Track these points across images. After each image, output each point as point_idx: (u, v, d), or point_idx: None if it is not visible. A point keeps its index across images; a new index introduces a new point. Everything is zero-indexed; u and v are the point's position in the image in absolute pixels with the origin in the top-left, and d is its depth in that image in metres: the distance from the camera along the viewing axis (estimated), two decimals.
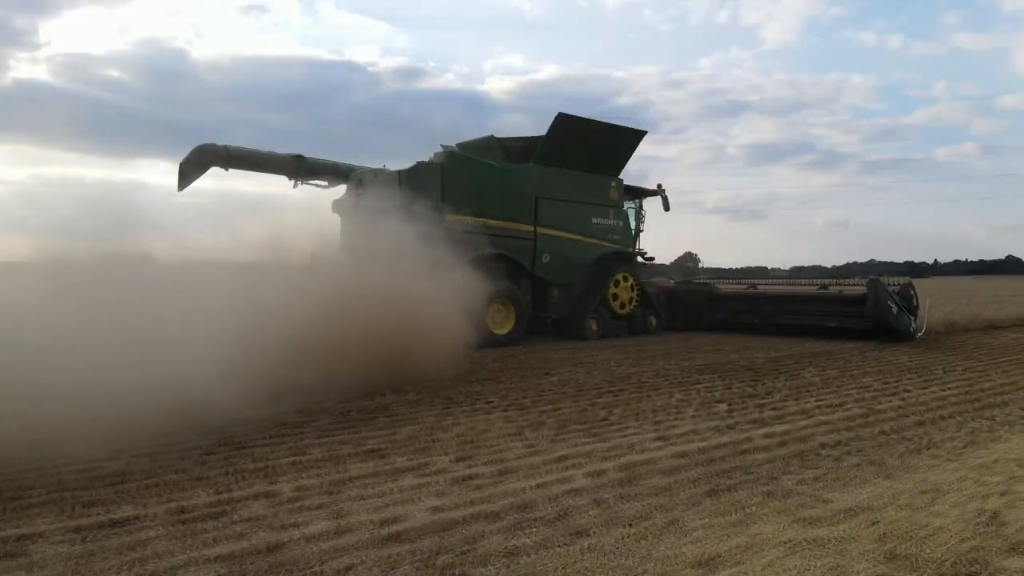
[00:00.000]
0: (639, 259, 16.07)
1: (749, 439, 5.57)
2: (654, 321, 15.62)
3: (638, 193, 16.31)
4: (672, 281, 18.74)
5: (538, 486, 4.30)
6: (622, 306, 14.77)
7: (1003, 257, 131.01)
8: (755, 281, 17.84)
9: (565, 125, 13.49)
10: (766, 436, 5.68)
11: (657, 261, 18.51)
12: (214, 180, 11.90)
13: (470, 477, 4.49)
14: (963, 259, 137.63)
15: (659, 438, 5.60)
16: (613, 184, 14.90)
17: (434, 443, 5.43)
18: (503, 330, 12.65)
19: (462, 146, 14.63)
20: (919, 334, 13.54)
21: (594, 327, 14.23)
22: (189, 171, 11.37)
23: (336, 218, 12.89)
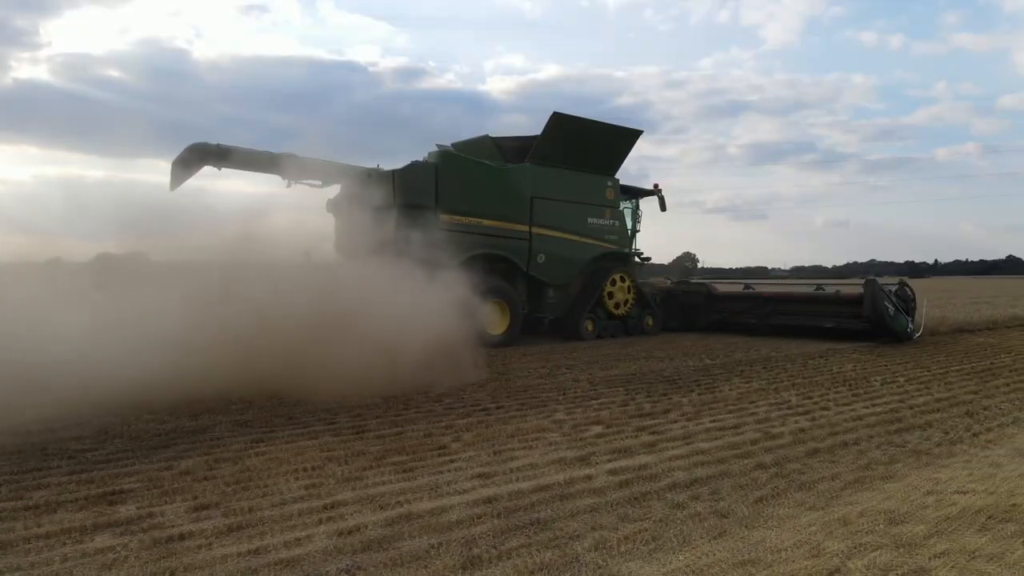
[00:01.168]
0: (636, 259, 15.72)
1: (589, 477, 4.59)
2: (651, 321, 15.30)
3: (635, 193, 15.91)
4: (669, 281, 18.45)
5: (252, 552, 3.32)
6: (617, 306, 14.47)
7: (1003, 257, 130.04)
8: (750, 282, 17.39)
9: (561, 124, 13.17)
10: (612, 472, 4.70)
11: (656, 261, 18.59)
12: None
13: (181, 536, 3.51)
14: (963, 259, 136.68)
15: (481, 475, 4.62)
16: (609, 184, 14.56)
17: (200, 482, 4.46)
18: (498, 331, 12.40)
19: (457, 145, 14.29)
20: (917, 334, 13.14)
21: (590, 327, 13.98)
22: (181, 170, 10.68)
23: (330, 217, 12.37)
